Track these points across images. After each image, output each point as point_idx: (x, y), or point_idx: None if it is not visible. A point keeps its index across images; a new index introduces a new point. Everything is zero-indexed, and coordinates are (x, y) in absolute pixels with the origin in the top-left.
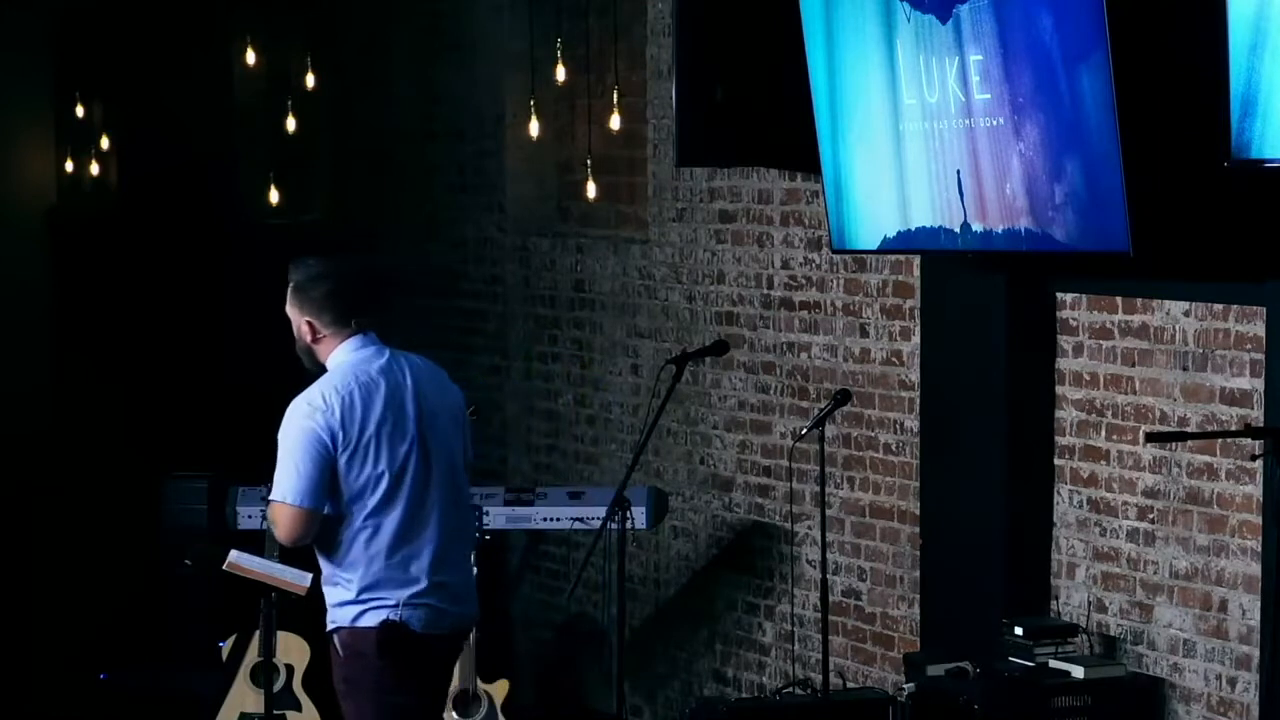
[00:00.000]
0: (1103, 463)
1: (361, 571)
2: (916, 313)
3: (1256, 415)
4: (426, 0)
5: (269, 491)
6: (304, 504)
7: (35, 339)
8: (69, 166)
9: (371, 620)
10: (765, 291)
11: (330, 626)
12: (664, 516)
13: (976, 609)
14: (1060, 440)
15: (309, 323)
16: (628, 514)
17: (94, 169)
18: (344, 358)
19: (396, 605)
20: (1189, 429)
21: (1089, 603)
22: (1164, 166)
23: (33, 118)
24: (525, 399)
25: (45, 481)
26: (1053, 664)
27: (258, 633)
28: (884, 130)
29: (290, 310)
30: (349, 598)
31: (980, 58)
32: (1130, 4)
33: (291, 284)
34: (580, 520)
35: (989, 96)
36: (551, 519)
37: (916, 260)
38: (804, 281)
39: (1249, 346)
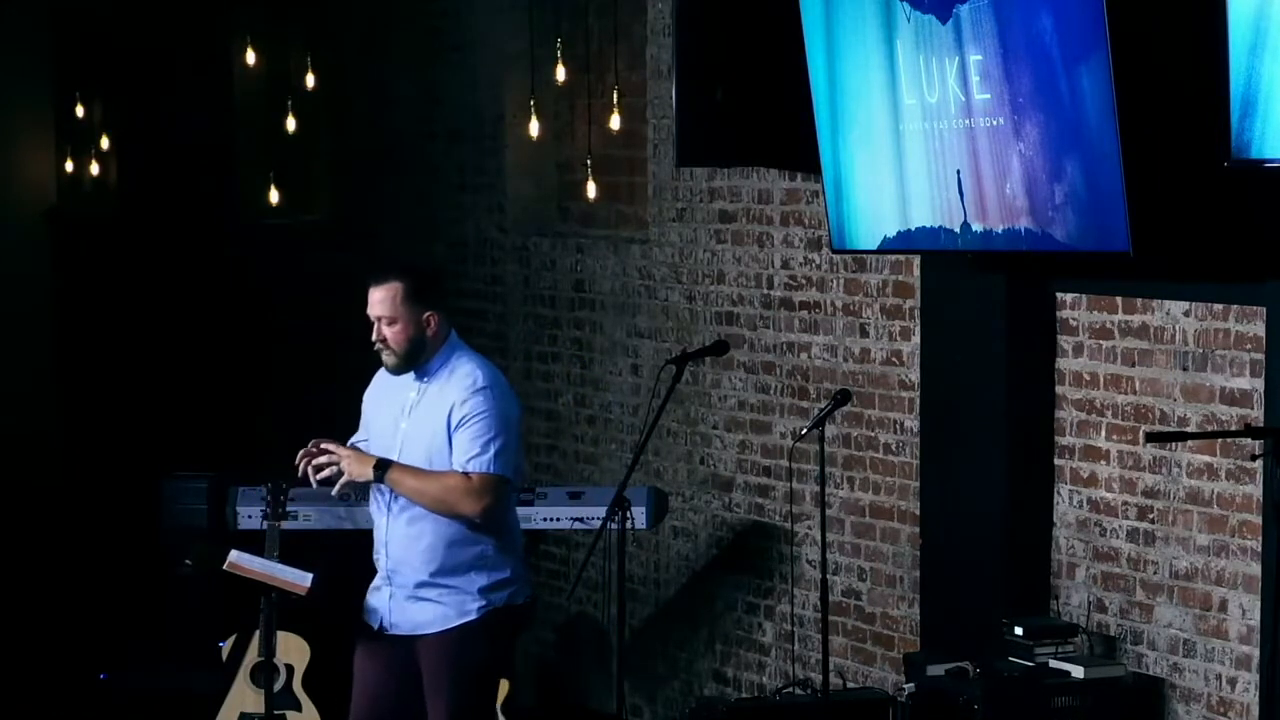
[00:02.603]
0: (1103, 463)
1: (518, 544)
2: (916, 313)
3: (1256, 415)
4: (426, 0)
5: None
6: (515, 479)
7: (36, 339)
8: (69, 166)
9: (521, 598)
10: (765, 291)
11: (480, 613)
12: (664, 516)
13: (976, 609)
14: (1060, 440)
15: (435, 315)
16: (628, 514)
17: (94, 169)
18: (459, 347)
19: (525, 581)
20: (1189, 429)
21: (1089, 603)
22: (1164, 166)
23: (33, 118)
24: (525, 399)
25: (46, 481)
26: (1053, 664)
27: (258, 633)
28: (884, 130)
29: (408, 305)
30: (506, 575)
31: (980, 58)
32: (1130, 4)
33: (417, 282)
34: (580, 520)
35: (989, 96)
36: (551, 519)
37: (916, 260)
38: (804, 281)
39: (1249, 346)
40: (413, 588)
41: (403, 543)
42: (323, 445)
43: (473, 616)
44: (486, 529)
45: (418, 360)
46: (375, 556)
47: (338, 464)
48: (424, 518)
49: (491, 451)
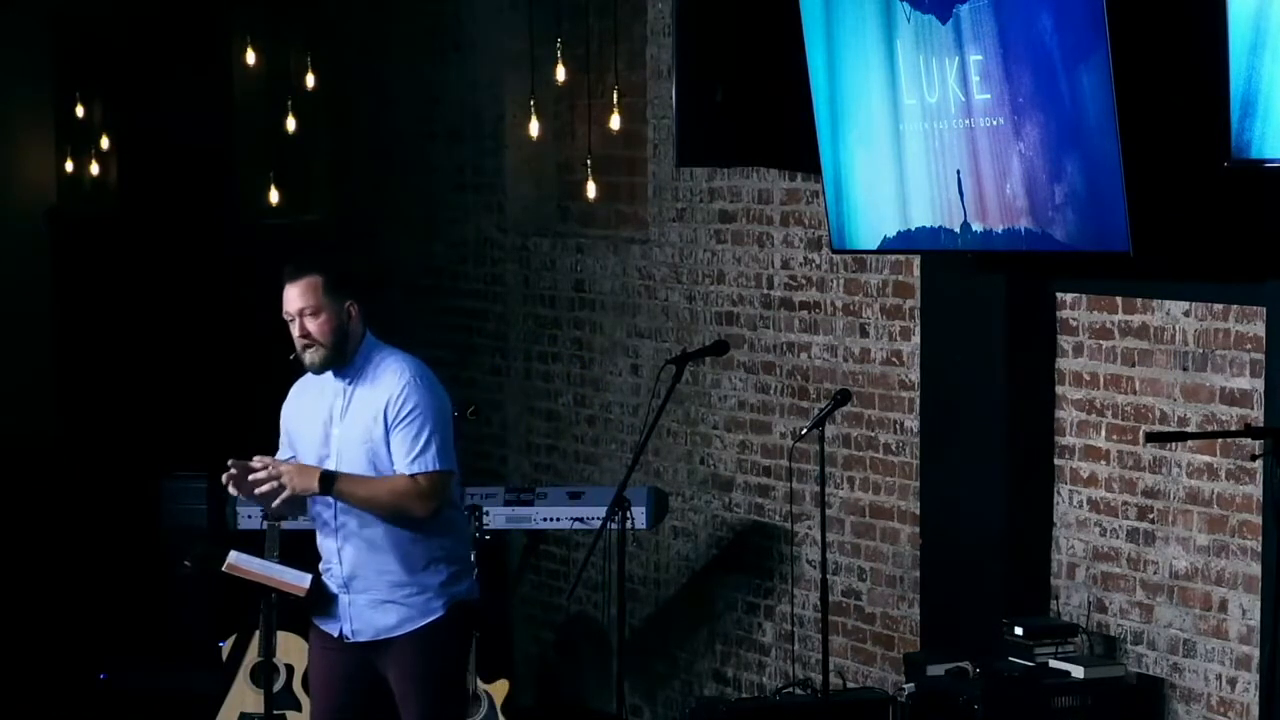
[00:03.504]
0: (1103, 463)
1: (467, 534)
2: (916, 313)
3: (1256, 415)
4: (426, 0)
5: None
6: (456, 469)
7: (36, 338)
8: (69, 166)
9: (477, 591)
10: (765, 291)
11: (446, 608)
12: (664, 516)
13: (976, 609)
14: (1060, 440)
15: (355, 306)
16: (628, 514)
17: (94, 169)
18: (378, 344)
19: (474, 572)
20: (1189, 429)
21: (1089, 603)
22: (1164, 166)
23: (33, 118)
24: (525, 399)
25: (46, 481)
26: (1053, 664)
27: (258, 633)
28: (884, 130)
29: (331, 296)
30: (460, 566)
31: (980, 58)
32: (1130, 4)
33: (337, 273)
34: (580, 520)
35: (989, 96)
36: (551, 519)
37: (916, 260)
38: (804, 281)
39: (1249, 346)
40: (373, 592)
41: (360, 549)
42: (255, 463)
43: (440, 614)
44: (438, 525)
45: (344, 354)
46: (326, 565)
47: (279, 479)
48: (379, 522)
49: (433, 448)
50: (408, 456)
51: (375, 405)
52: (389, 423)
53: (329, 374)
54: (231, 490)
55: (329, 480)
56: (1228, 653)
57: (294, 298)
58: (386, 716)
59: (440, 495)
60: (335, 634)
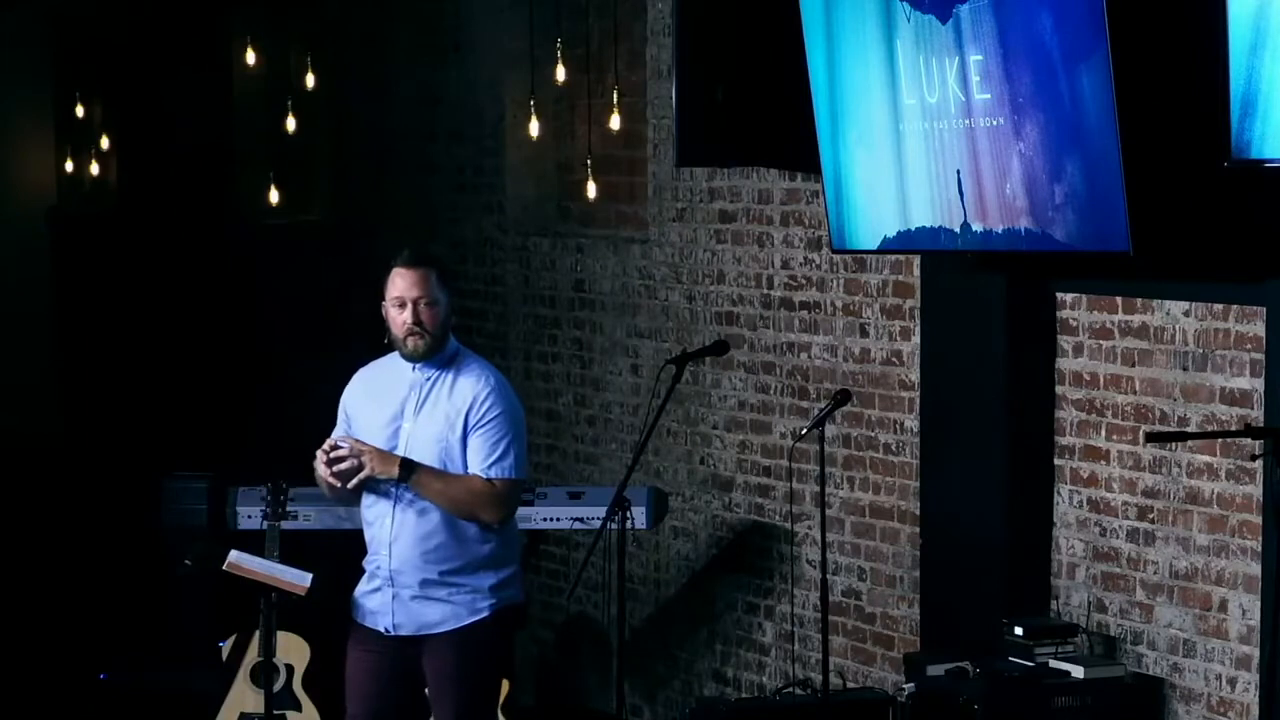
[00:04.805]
0: (1103, 463)
1: (518, 540)
2: (916, 313)
3: (1256, 415)
4: (426, 0)
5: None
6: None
7: (36, 338)
8: (69, 166)
9: (522, 595)
10: (765, 291)
11: (492, 610)
12: (664, 516)
13: (976, 609)
14: (1060, 440)
15: (451, 303)
16: (628, 514)
17: (94, 169)
18: (460, 346)
19: (522, 579)
20: (1189, 429)
21: (1089, 603)
22: (1164, 166)
23: (33, 118)
24: (525, 399)
25: (47, 481)
26: (1053, 664)
27: (258, 633)
28: (884, 130)
29: (443, 290)
30: (511, 571)
31: (980, 58)
32: (1130, 4)
33: (446, 268)
34: (580, 520)
35: (989, 96)
36: (551, 519)
37: (916, 260)
38: (804, 281)
39: (1249, 346)
40: (418, 587)
41: (411, 543)
42: (340, 441)
43: (485, 614)
44: (494, 530)
45: (441, 348)
46: (373, 558)
47: (359, 458)
48: (434, 517)
49: (512, 456)
50: (486, 460)
51: (455, 406)
52: (469, 425)
53: (404, 366)
54: (319, 469)
55: (409, 468)
56: (1228, 653)
57: (413, 284)
58: (423, 713)
59: (512, 504)
60: (379, 629)
